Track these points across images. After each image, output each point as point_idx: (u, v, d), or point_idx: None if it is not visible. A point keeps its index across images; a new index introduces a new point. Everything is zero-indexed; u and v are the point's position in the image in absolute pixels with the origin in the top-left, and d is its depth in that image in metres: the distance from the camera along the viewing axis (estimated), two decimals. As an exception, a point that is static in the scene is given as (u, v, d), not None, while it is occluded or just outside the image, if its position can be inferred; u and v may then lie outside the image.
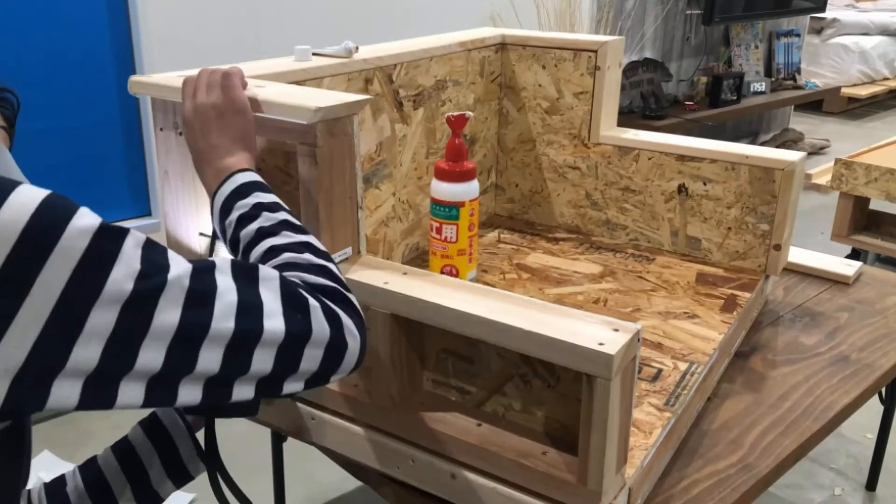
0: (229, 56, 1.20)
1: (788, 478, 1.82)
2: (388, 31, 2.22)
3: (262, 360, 0.66)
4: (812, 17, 4.85)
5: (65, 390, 0.57)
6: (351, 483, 1.82)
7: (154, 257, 0.61)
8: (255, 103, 0.92)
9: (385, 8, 2.56)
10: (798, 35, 4.36)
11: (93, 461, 0.90)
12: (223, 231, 0.84)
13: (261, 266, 0.69)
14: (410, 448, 0.97)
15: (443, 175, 1.25)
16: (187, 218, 1.06)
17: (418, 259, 1.44)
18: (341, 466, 1.08)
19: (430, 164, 1.42)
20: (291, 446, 1.52)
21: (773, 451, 1.04)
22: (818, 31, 5.39)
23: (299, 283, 0.71)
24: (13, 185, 0.56)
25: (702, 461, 1.02)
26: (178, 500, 1.74)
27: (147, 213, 2.24)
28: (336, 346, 0.69)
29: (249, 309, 0.65)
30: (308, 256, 0.76)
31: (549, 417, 0.93)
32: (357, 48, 1.22)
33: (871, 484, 1.81)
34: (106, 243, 0.58)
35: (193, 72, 0.95)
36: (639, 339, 0.83)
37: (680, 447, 1.05)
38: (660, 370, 1.11)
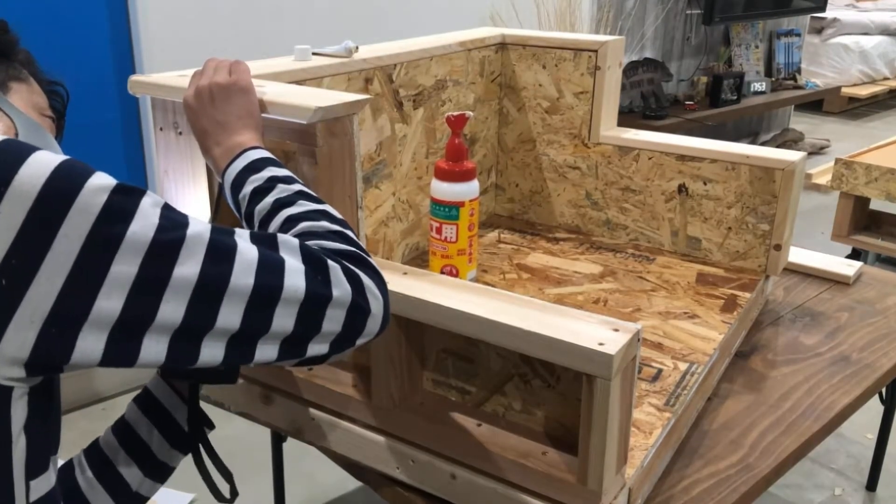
0: (229, 56, 1.20)
1: (788, 478, 1.82)
2: (388, 31, 2.22)
3: (284, 319, 0.66)
4: (812, 17, 4.85)
5: (89, 342, 0.59)
6: (351, 483, 1.82)
7: (172, 215, 0.63)
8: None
9: (385, 8, 2.56)
10: (798, 35, 4.36)
11: (95, 445, 0.90)
12: (237, 206, 0.84)
13: (279, 234, 0.70)
14: (410, 448, 0.97)
15: (443, 175, 1.25)
16: (187, 218, 1.06)
17: (418, 259, 1.44)
18: (341, 466, 1.08)
19: (430, 164, 1.42)
20: (291, 446, 1.52)
21: (773, 451, 1.04)
22: (818, 31, 5.38)
23: (318, 248, 0.71)
24: (33, 148, 0.59)
25: (702, 461, 1.02)
26: (178, 499, 1.74)
27: (147, 213, 2.23)
28: (358, 307, 0.70)
29: (270, 266, 0.66)
30: (325, 224, 0.76)
31: (549, 417, 0.93)
32: (357, 48, 1.22)
33: (872, 484, 1.81)
34: (123, 199, 0.60)
35: (193, 72, 0.95)
36: (639, 339, 0.83)
37: (680, 447, 1.05)
38: (660, 370, 1.11)
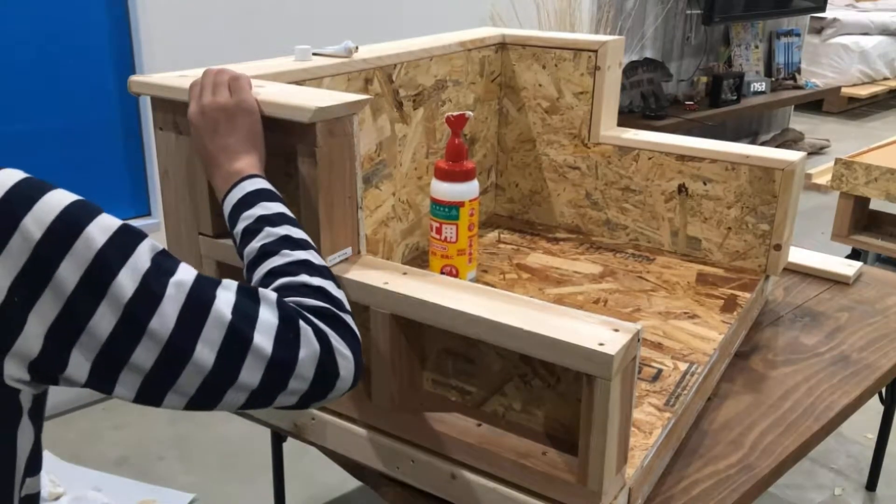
0: (229, 56, 1.20)
1: (788, 478, 1.81)
2: (388, 31, 2.22)
3: (250, 374, 0.67)
4: (812, 17, 4.85)
5: (78, 362, 0.63)
6: (351, 483, 1.82)
7: (163, 262, 0.66)
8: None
9: (385, 8, 2.56)
10: (798, 35, 4.36)
11: None
12: (233, 240, 0.86)
13: (261, 290, 0.72)
14: (410, 448, 0.97)
15: (443, 175, 1.25)
16: (187, 218, 1.06)
17: (418, 259, 1.44)
18: (341, 466, 1.08)
19: (430, 164, 1.42)
20: (291, 446, 1.52)
21: (773, 451, 1.04)
22: (818, 31, 5.38)
23: (294, 306, 0.72)
24: (49, 187, 0.64)
25: (702, 461, 1.02)
26: (178, 499, 1.74)
27: (147, 212, 2.24)
28: (325, 367, 0.71)
29: (244, 318, 0.68)
30: (304, 278, 0.77)
31: (549, 417, 0.93)
32: (357, 48, 1.22)
33: (872, 484, 1.81)
34: (122, 243, 0.64)
35: (193, 72, 0.95)
36: (639, 340, 0.83)
37: (680, 447, 1.05)
38: (660, 370, 1.11)
